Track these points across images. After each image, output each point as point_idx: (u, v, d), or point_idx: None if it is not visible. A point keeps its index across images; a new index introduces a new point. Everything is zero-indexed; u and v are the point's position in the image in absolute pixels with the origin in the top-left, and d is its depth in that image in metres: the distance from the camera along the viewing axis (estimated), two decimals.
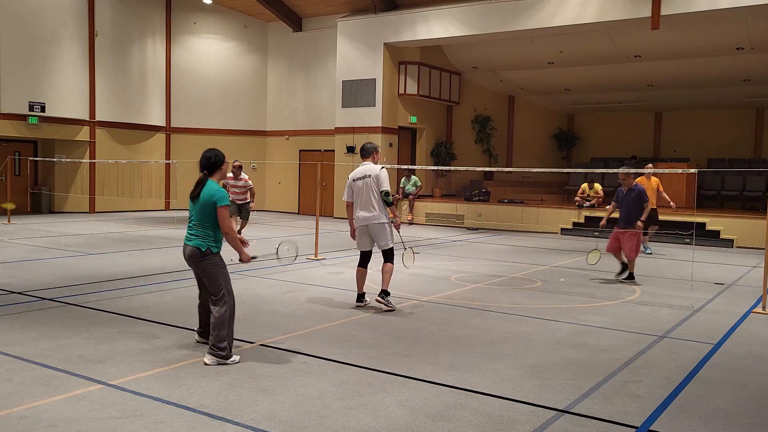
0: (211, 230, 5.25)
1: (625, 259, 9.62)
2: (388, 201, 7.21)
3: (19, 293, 7.66)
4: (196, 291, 7.84)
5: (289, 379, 4.80)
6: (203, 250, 5.20)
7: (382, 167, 7.34)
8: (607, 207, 10.34)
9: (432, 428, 3.96)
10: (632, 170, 9.73)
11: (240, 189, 12.52)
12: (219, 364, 5.08)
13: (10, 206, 16.45)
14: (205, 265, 5.22)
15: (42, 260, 10.27)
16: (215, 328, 5.13)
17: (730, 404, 4.52)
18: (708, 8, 14.29)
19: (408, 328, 6.46)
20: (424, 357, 5.45)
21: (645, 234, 12.20)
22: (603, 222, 9.90)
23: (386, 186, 7.22)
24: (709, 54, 17.83)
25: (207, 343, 5.34)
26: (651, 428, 4.06)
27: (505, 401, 4.45)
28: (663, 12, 14.71)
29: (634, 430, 4.02)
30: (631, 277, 9.54)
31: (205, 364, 5.07)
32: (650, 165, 12.54)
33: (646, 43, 17.43)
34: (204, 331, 5.58)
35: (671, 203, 12.90)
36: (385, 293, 7.24)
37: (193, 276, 5.54)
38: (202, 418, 4.02)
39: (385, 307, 7.20)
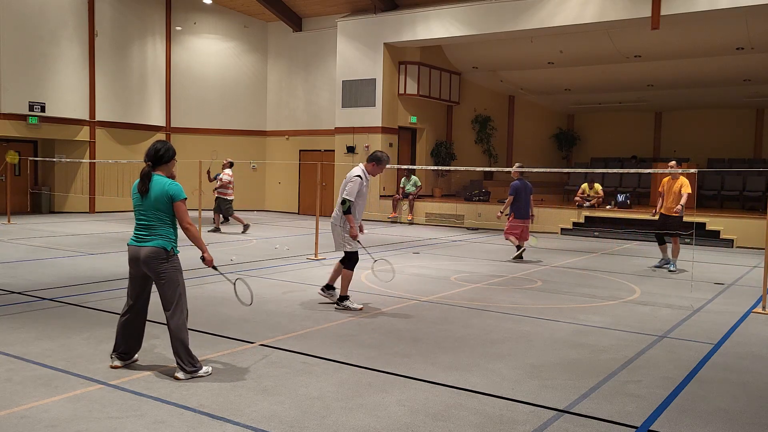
0: (171, 228, 4.84)
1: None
2: (343, 209, 7.10)
3: (19, 293, 7.66)
4: (194, 290, 7.87)
5: (289, 379, 4.79)
6: (168, 249, 4.77)
7: (356, 174, 7.21)
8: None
9: (432, 428, 3.95)
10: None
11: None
12: (192, 377, 4.73)
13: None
14: (167, 269, 4.76)
15: (42, 260, 10.27)
16: (177, 338, 4.75)
17: (730, 404, 4.52)
18: (708, 8, 14.30)
19: (408, 328, 6.45)
20: (424, 357, 5.45)
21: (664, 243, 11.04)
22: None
23: (345, 194, 7.10)
24: (709, 54, 17.83)
25: (130, 362, 4.96)
26: (651, 428, 4.06)
27: (505, 401, 4.45)
28: (663, 12, 14.71)
29: (634, 430, 4.02)
30: None
31: (178, 379, 4.70)
32: (673, 163, 11.02)
33: (646, 43, 17.43)
34: (127, 354, 4.96)
35: (675, 208, 10.58)
36: (341, 299, 7.25)
37: (131, 282, 4.94)
38: (202, 418, 4.01)
39: (348, 311, 7.15)
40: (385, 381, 4.81)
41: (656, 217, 11.11)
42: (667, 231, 10.74)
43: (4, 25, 17.41)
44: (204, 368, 4.84)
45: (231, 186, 15.27)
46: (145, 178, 4.80)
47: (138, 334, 4.99)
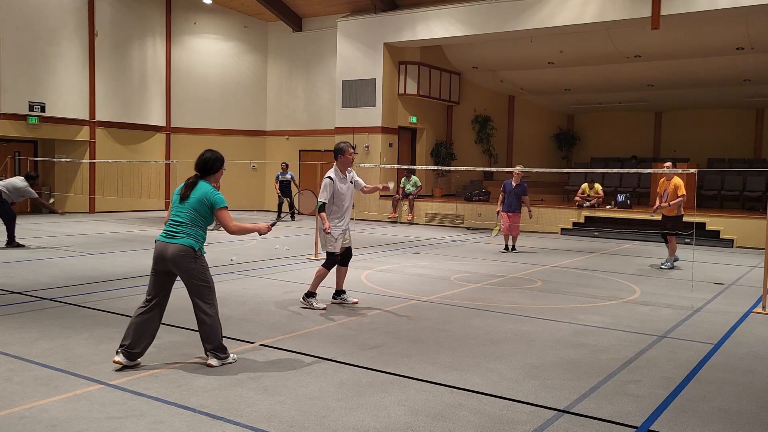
0: (202, 231, 4.98)
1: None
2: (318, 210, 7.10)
3: (19, 293, 7.66)
4: None
5: (289, 379, 4.79)
6: (195, 249, 4.90)
7: (327, 176, 7.14)
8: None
9: (432, 428, 3.95)
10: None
11: None
12: (223, 364, 5.01)
13: None
14: (196, 266, 4.90)
15: (42, 260, 10.27)
16: (212, 330, 4.96)
17: (730, 404, 4.52)
18: (708, 8, 14.30)
19: (408, 328, 6.45)
20: (424, 357, 5.45)
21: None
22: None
23: (320, 196, 7.11)
24: (709, 54, 17.83)
25: (131, 366, 4.90)
26: (651, 428, 4.05)
27: (505, 401, 4.45)
28: (663, 12, 14.71)
29: (634, 430, 4.02)
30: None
31: (211, 366, 4.96)
32: (668, 164, 11.13)
33: (646, 43, 17.43)
34: (134, 351, 4.90)
35: (672, 203, 10.75)
36: (308, 294, 7.26)
37: (153, 279, 4.97)
38: (202, 418, 4.01)
39: (312, 308, 7.17)
40: (385, 381, 4.81)
41: (657, 217, 11.42)
42: (667, 231, 10.92)
43: (4, 25, 17.41)
44: (231, 355, 5.10)
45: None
46: (191, 186, 4.97)
47: (152, 332, 4.99)
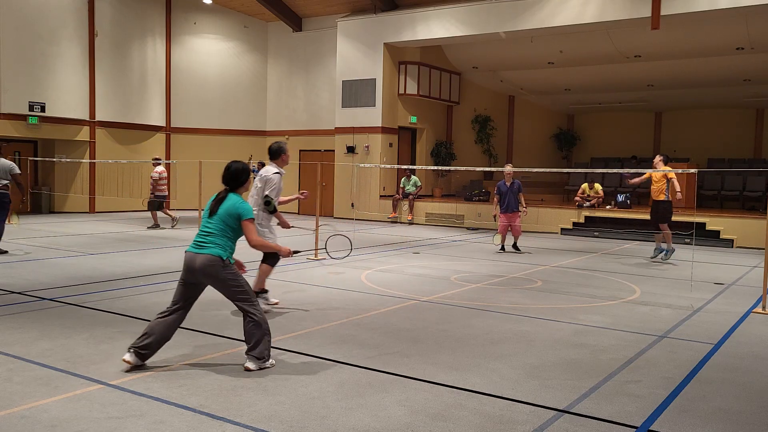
0: (231, 242, 5.01)
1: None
2: (269, 209, 6.81)
3: (19, 293, 7.66)
4: None
5: (289, 379, 4.80)
6: (224, 258, 4.92)
7: (275, 172, 7.01)
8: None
9: (432, 428, 3.95)
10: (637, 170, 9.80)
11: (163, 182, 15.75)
12: (260, 368, 4.94)
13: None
14: (226, 275, 4.93)
15: (42, 260, 10.27)
16: (256, 333, 4.93)
17: (730, 404, 4.52)
18: (708, 8, 14.30)
19: (408, 328, 6.45)
20: (424, 357, 5.45)
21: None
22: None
23: (268, 191, 6.89)
24: (709, 54, 17.83)
25: (140, 365, 4.90)
26: (651, 428, 4.05)
27: (505, 401, 4.45)
28: (663, 12, 14.71)
29: (634, 430, 4.02)
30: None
31: (248, 369, 4.90)
32: (659, 157, 11.56)
33: (646, 43, 17.43)
34: (146, 351, 4.90)
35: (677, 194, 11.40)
36: (258, 293, 6.98)
37: (181, 288, 5.01)
38: (202, 418, 4.01)
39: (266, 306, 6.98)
40: (385, 381, 4.81)
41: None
42: (657, 217, 11.50)
43: (4, 24, 17.41)
44: (270, 360, 5.06)
45: (163, 182, 16.23)
46: (220, 201, 5.02)
47: (166, 337, 5.00)
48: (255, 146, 22.84)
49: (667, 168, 11.52)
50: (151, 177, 16.11)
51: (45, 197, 19.62)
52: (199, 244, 4.97)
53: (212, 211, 5.01)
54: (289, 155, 7.28)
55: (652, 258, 11.96)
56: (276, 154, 7.15)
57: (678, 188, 11.32)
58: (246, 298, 5.00)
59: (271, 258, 7.09)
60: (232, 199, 5.03)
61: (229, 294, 5.00)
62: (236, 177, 5.11)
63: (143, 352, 4.90)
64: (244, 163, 5.19)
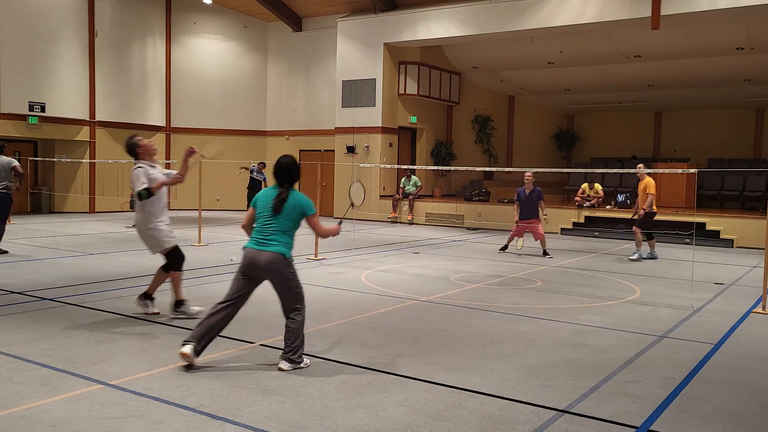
0: (292, 239, 5.11)
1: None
2: (141, 200, 6.39)
3: (19, 293, 7.66)
4: (195, 290, 7.87)
5: (289, 379, 4.80)
6: (287, 257, 5.00)
7: (137, 166, 6.51)
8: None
9: (432, 428, 3.95)
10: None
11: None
12: (294, 369, 4.98)
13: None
14: (289, 274, 5.02)
15: (42, 260, 10.27)
16: (296, 334, 5.00)
17: (730, 404, 4.52)
18: (708, 8, 14.30)
19: (408, 328, 6.45)
20: (424, 357, 5.45)
21: (651, 238, 12.35)
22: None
23: (137, 187, 6.39)
24: (709, 54, 17.83)
25: (196, 355, 4.95)
26: (651, 428, 4.05)
27: (505, 401, 4.45)
28: (663, 12, 14.71)
29: (634, 430, 4.02)
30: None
31: (281, 370, 4.94)
32: (641, 165, 12.23)
33: (646, 43, 17.43)
34: (200, 348, 5.01)
35: (639, 213, 12.14)
36: (177, 304, 6.59)
37: (239, 281, 5.04)
38: (202, 418, 4.01)
39: (185, 315, 6.56)
40: (385, 381, 4.81)
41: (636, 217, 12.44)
42: (636, 225, 12.20)
43: (4, 25, 17.41)
44: (305, 360, 5.09)
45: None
46: (284, 201, 5.02)
47: (218, 329, 5.10)
48: (255, 146, 22.85)
49: (650, 180, 12.10)
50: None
51: (45, 197, 19.62)
52: (261, 241, 5.02)
53: (276, 209, 5.02)
54: (145, 144, 6.63)
55: (631, 258, 12.14)
56: (131, 151, 6.62)
57: (647, 203, 11.88)
58: (299, 298, 5.09)
59: (172, 263, 6.61)
60: (294, 196, 5.07)
61: (286, 291, 5.06)
62: (287, 172, 5.09)
63: (197, 348, 4.98)
64: (293, 158, 5.21)
